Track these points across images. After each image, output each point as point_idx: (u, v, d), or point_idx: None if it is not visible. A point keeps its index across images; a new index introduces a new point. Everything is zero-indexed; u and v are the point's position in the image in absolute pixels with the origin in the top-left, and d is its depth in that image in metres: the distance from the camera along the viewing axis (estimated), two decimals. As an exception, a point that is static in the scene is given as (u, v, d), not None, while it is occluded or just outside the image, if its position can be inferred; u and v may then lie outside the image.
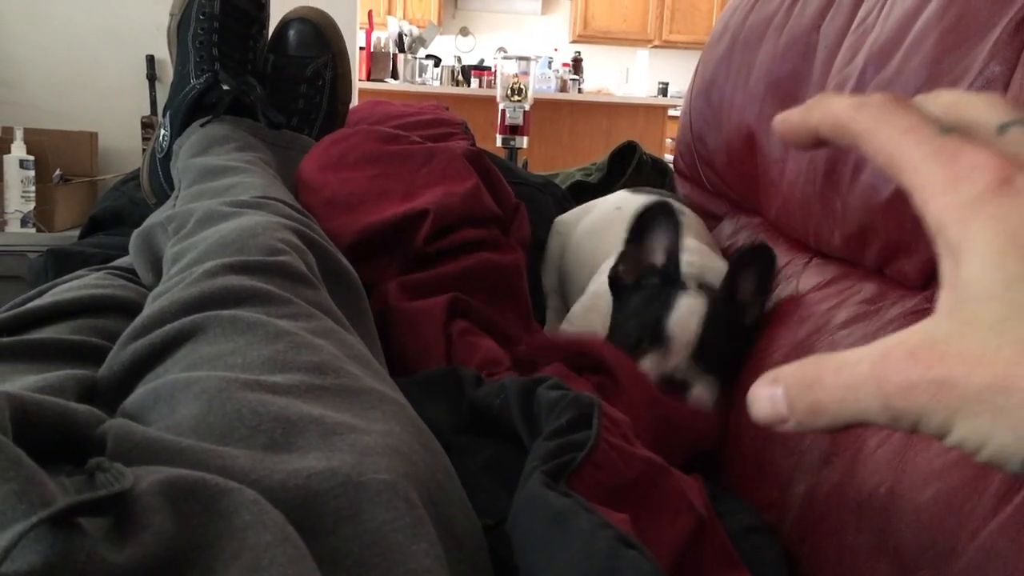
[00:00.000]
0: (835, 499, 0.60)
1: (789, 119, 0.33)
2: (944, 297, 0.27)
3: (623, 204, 1.15)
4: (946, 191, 0.27)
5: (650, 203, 0.89)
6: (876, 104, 0.30)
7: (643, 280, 0.87)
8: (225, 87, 1.03)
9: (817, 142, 0.33)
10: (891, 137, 0.29)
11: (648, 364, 0.82)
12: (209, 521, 0.35)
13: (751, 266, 0.87)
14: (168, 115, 1.06)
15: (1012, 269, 0.25)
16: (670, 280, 0.86)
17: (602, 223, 1.14)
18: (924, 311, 0.69)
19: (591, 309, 0.97)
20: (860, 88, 0.81)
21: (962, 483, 0.50)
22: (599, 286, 0.97)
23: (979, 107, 0.31)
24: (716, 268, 0.94)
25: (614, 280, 0.89)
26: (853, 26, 0.89)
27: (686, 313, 0.83)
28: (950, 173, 0.27)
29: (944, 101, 0.31)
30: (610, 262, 0.94)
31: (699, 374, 0.83)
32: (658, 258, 0.87)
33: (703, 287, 0.86)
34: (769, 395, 0.29)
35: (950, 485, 0.50)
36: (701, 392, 0.83)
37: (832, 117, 0.31)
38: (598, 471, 0.49)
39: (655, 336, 0.83)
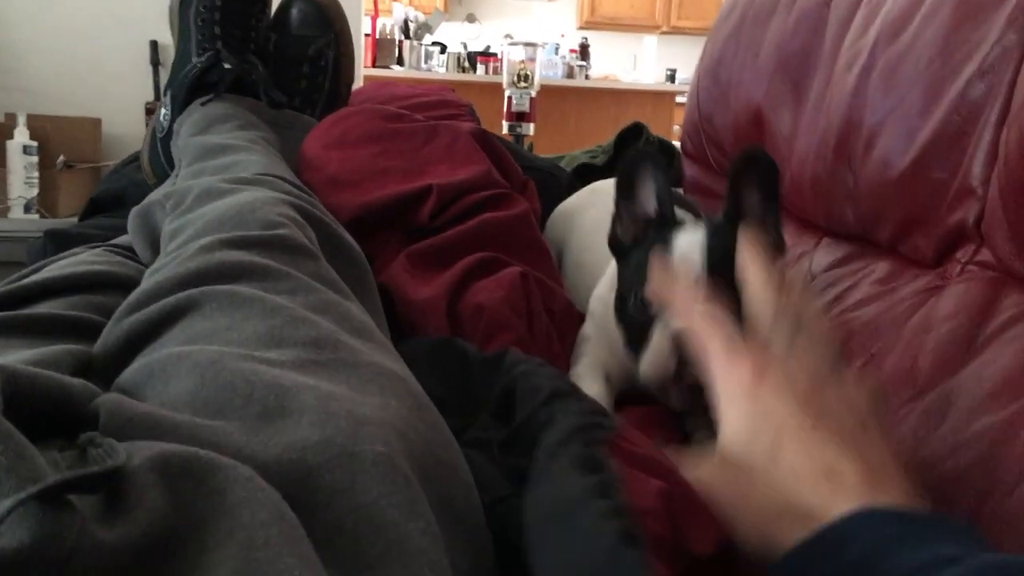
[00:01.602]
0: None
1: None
2: (720, 436, 0.47)
3: None
4: (726, 377, 0.47)
5: (631, 154, 0.81)
6: (689, 298, 0.54)
7: (642, 236, 0.79)
8: (227, 66, 1.01)
9: None
10: (700, 328, 0.51)
11: (660, 330, 0.70)
12: (202, 498, 0.34)
13: (750, 176, 0.76)
14: (169, 94, 1.04)
15: (758, 446, 0.45)
16: (666, 222, 0.77)
17: (599, 218, 1.02)
18: (937, 288, 0.67)
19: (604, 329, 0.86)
20: (872, 61, 0.79)
21: (980, 457, 0.48)
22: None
23: (764, 305, 0.51)
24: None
25: (613, 245, 0.82)
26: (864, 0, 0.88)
27: (686, 250, 0.72)
28: (729, 366, 0.48)
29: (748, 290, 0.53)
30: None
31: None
32: (651, 207, 0.79)
33: (703, 222, 0.76)
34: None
35: (968, 460, 0.49)
36: None
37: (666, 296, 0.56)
38: (627, 443, 0.47)
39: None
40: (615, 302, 0.79)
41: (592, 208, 1.07)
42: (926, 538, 0.36)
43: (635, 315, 0.73)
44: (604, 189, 1.10)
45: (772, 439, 0.44)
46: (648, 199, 0.78)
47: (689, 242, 0.72)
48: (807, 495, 0.41)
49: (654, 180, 0.78)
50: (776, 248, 0.75)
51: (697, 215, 1.02)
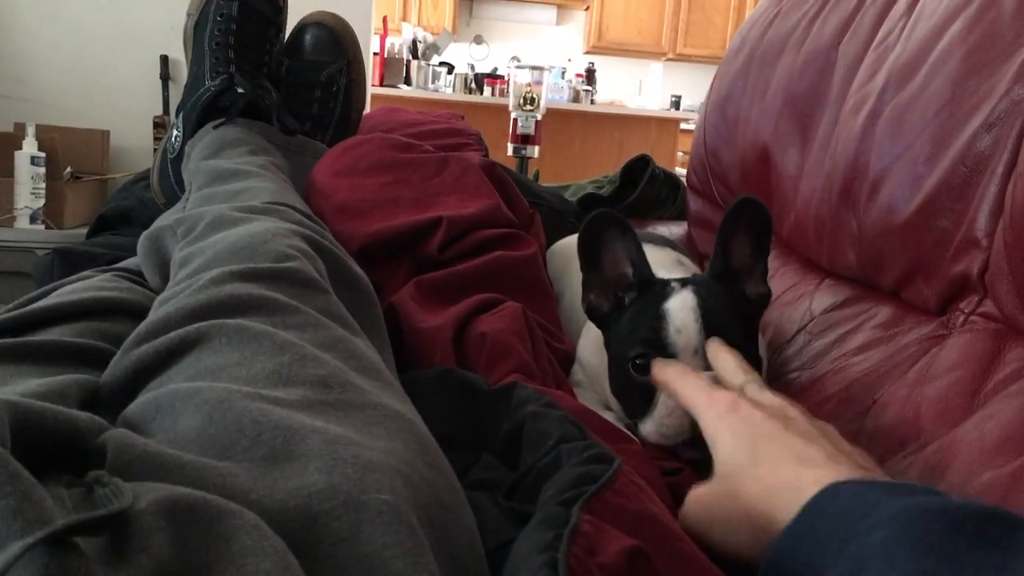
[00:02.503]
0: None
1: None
2: (715, 461, 0.55)
3: None
4: (709, 410, 0.58)
5: (589, 217, 0.78)
6: (679, 371, 0.65)
7: (621, 301, 0.77)
8: (240, 90, 1.02)
9: None
10: (685, 387, 0.63)
11: (666, 400, 0.70)
12: (208, 545, 0.34)
13: (741, 225, 0.75)
14: (181, 116, 1.05)
15: (741, 452, 0.54)
16: (648, 285, 0.76)
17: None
18: (940, 338, 0.67)
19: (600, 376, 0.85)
20: (880, 106, 0.80)
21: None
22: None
23: (730, 371, 0.63)
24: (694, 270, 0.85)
25: (591, 314, 0.80)
26: (874, 44, 0.88)
27: (679, 313, 0.71)
28: (710, 402, 0.59)
29: (716, 366, 0.65)
30: None
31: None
32: (625, 269, 0.77)
33: (689, 281, 0.75)
34: None
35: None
36: None
37: (660, 376, 0.66)
38: (618, 496, 0.48)
39: (660, 355, 0.71)
40: (609, 370, 0.78)
41: (572, 267, 1.04)
42: (894, 493, 0.42)
43: (635, 381, 0.72)
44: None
45: (751, 443, 0.54)
46: (618, 262, 0.77)
47: (681, 306, 0.71)
48: (786, 475, 0.50)
49: (622, 241, 0.76)
50: (761, 298, 0.76)
51: (673, 247, 1.03)
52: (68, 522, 0.30)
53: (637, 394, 0.72)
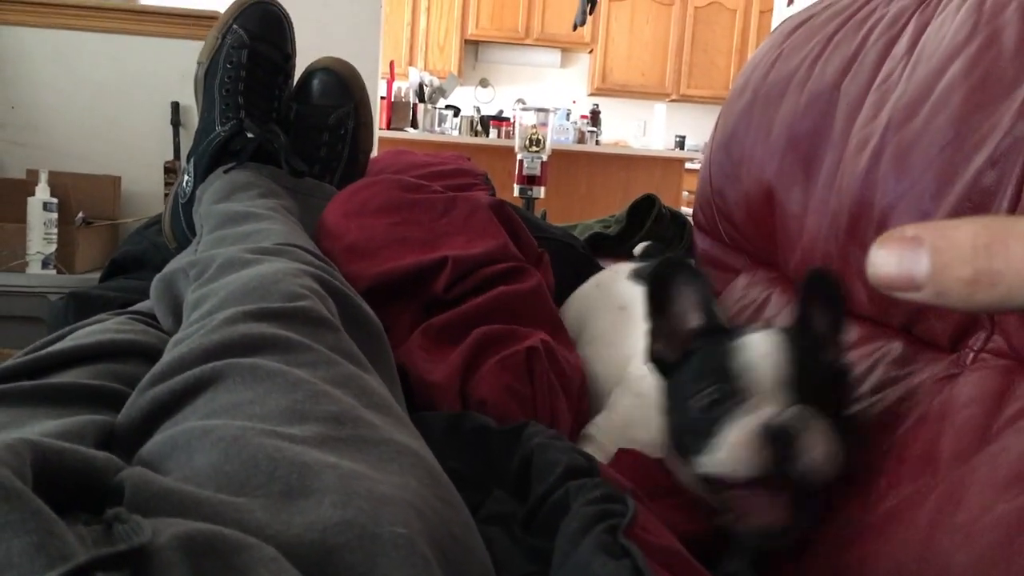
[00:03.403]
0: (865, 564, 0.59)
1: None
2: None
3: (627, 303, 0.98)
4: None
5: (658, 263, 0.76)
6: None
7: (689, 350, 0.73)
8: (250, 135, 1.04)
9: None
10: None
11: (740, 428, 0.63)
12: None
13: (820, 294, 0.71)
14: (192, 161, 1.07)
15: None
16: (720, 332, 0.71)
17: (607, 326, 0.99)
18: (953, 376, 0.67)
19: (629, 424, 0.83)
20: (883, 144, 0.81)
21: (994, 546, 0.48)
22: (631, 398, 0.84)
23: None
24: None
25: (656, 363, 0.75)
26: (876, 83, 0.90)
27: (761, 346, 0.66)
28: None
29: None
30: (634, 368, 0.82)
31: (805, 417, 0.62)
32: (694, 319, 0.73)
33: (764, 327, 0.71)
34: (899, 255, 0.25)
35: (982, 548, 0.49)
36: (814, 440, 0.62)
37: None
38: (644, 532, 0.48)
39: (730, 387, 0.65)
40: (667, 417, 0.73)
41: (598, 314, 1.03)
42: None
43: (702, 414, 0.66)
44: (606, 283, 1.09)
45: None
46: (687, 310, 0.74)
47: (764, 341, 0.67)
48: None
49: (693, 289, 0.74)
50: (841, 372, 0.71)
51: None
52: (90, 557, 0.30)
53: (701, 428, 0.66)
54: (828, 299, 0.71)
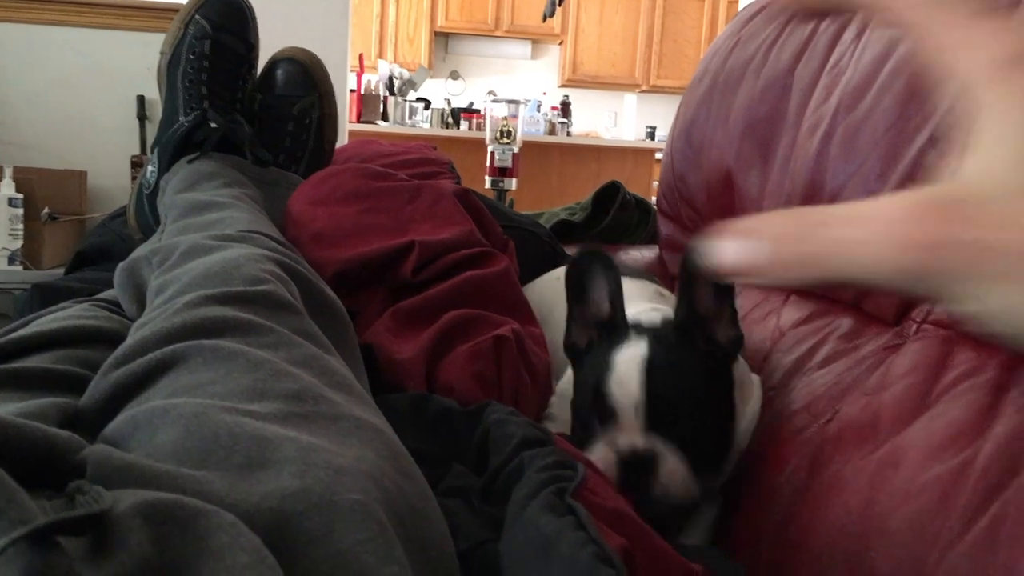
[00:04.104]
0: (810, 528, 0.61)
1: None
2: (967, 163, 0.26)
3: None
4: (979, 48, 0.27)
5: (577, 253, 0.77)
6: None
7: (594, 340, 0.76)
8: (213, 125, 1.04)
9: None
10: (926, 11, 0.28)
11: (600, 451, 0.67)
12: (186, 542, 0.35)
13: (701, 269, 0.75)
14: (156, 151, 1.07)
15: None
16: (615, 329, 0.73)
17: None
18: (896, 347, 0.70)
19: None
20: (833, 127, 0.83)
21: (930, 505, 0.51)
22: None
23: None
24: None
25: (568, 349, 0.78)
26: (827, 69, 0.92)
27: (625, 367, 0.68)
28: (981, 35, 0.27)
29: None
30: None
31: (658, 446, 0.66)
32: (604, 310, 0.75)
33: (651, 328, 0.73)
34: (737, 247, 0.28)
35: (919, 507, 0.51)
36: (670, 473, 0.66)
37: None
38: (593, 495, 0.49)
39: (602, 409, 0.68)
40: (571, 408, 0.76)
41: (559, 306, 1.02)
42: None
43: (583, 425, 0.71)
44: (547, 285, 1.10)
45: None
46: (601, 299, 0.76)
47: (628, 360, 0.69)
48: None
49: (605, 279, 0.75)
50: (734, 342, 0.74)
51: (651, 279, 1.04)
52: (51, 520, 0.31)
53: (584, 440, 0.70)
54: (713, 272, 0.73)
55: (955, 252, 0.24)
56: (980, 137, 0.26)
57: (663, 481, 0.65)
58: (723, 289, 0.73)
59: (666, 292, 1.00)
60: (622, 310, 0.75)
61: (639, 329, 0.72)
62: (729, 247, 0.28)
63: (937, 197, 0.26)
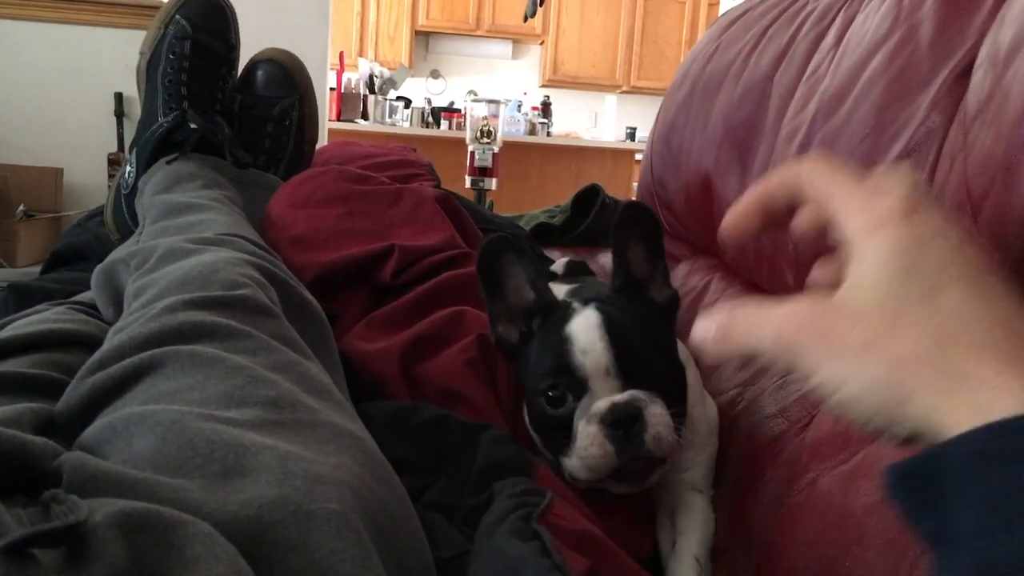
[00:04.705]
0: (788, 538, 0.62)
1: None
2: (846, 284, 0.37)
3: None
4: (863, 212, 0.38)
5: (484, 244, 0.76)
6: (821, 164, 0.42)
7: (527, 330, 0.75)
8: (193, 125, 1.04)
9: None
10: (830, 184, 0.41)
11: (585, 422, 0.66)
12: (162, 553, 0.35)
13: (632, 233, 0.73)
14: (135, 152, 1.06)
15: (896, 266, 0.36)
16: (551, 309, 0.73)
17: None
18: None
19: None
20: (810, 134, 0.84)
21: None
22: None
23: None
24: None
25: (500, 347, 0.77)
26: (805, 76, 0.93)
27: (584, 334, 0.68)
28: (867, 203, 0.39)
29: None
30: None
31: (637, 398, 0.66)
32: (527, 295, 0.75)
33: (590, 298, 0.73)
34: (705, 327, 0.40)
35: (893, 516, 0.52)
36: (656, 416, 0.66)
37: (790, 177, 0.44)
38: (559, 519, 0.50)
39: (571, 383, 0.68)
40: (526, 406, 0.74)
41: None
42: None
43: (551, 415, 0.69)
44: None
45: (933, 276, 0.35)
46: (520, 287, 0.75)
47: (584, 325, 0.69)
48: (977, 346, 0.33)
49: (521, 267, 0.75)
50: (670, 301, 0.76)
51: (588, 273, 1.04)
52: (25, 532, 0.31)
53: (555, 428, 0.69)
54: (644, 234, 0.75)
55: (809, 334, 0.37)
56: (857, 267, 0.37)
57: (653, 425, 0.65)
58: (654, 251, 0.75)
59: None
60: (549, 291, 0.75)
61: (579, 301, 0.73)
62: (699, 329, 0.40)
63: (815, 304, 0.38)
